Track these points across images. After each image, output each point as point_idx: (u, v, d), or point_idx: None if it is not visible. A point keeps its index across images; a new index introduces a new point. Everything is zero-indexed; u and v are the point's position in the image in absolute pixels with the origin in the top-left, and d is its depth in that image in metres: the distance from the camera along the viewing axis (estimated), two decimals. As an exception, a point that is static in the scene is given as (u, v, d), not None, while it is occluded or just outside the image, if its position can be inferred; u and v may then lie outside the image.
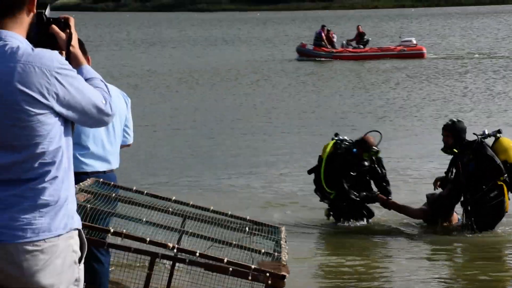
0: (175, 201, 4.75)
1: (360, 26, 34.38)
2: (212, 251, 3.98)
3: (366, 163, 8.61)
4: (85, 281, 3.15)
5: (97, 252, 4.81)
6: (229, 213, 4.80)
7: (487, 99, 20.40)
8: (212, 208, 4.79)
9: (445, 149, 8.36)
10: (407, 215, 8.67)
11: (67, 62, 2.72)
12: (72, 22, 2.88)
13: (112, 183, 4.85)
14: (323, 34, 32.55)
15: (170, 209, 4.57)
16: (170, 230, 4.24)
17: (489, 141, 8.31)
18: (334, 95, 21.93)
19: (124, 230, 3.88)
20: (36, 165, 2.63)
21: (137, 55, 37.22)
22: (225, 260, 3.78)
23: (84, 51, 4.20)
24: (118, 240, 3.90)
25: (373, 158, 8.62)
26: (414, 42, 33.08)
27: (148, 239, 3.77)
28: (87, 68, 2.85)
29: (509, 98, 20.64)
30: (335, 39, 33.12)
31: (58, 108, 2.65)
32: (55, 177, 2.66)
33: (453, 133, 8.25)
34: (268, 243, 4.39)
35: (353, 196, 8.48)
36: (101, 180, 4.80)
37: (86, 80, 2.77)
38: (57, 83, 2.63)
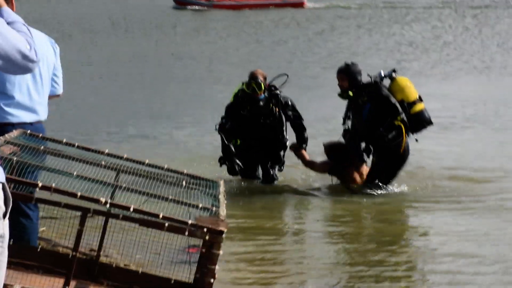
0: (108, 154, 4.69)
1: None
2: (148, 206, 3.95)
3: (261, 103, 8.29)
4: (12, 237, 3.10)
5: (25, 207, 4.75)
6: (165, 166, 4.76)
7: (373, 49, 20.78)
8: (147, 161, 4.75)
9: (341, 94, 8.27)
10: (314, 170, 8.60)
11: None
12: None
13: (41, 135, 4.76)
14: None
15: (103, 163, 4.51)
16: (103, 185, 4.18)
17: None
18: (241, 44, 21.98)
19: (54, 184, 3.81)
20: None
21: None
22: (161, 215, 3.76)
23: None
24: (47, 195, 3.84)
25: (273, 100, 8.30)
26: None
27: (79, 194, 3.73)
28: (7, 11, 2.77)
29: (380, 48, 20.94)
30: None
31: None
32: None
33: (347, 76, 8.15)
34: (206, 197, 4.37)
35: (229, 145, 8.23)
36: (29, 131, 4.71)
37: (7, 23, 2.69)
38: None
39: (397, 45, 22.44)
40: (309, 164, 8.56)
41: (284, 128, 8.43)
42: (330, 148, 8.38)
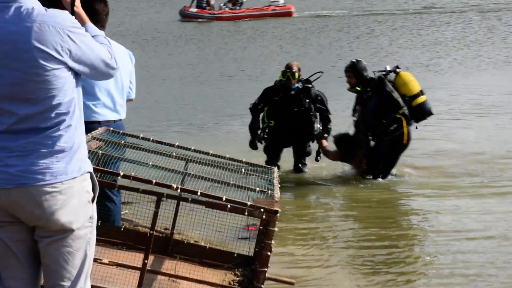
0: (178, 146, 4.75)
1: None
2: (212, 191, 3.99)
3: (292, 92, 8.14)
4: (100, 219, 3.19)
5: (110, 193, 4.86)
6: (227, 156, 4.81)
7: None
8: (211, 152, 4.80)
9: (350, 89, 8.12)
10: (328, 158, 8.38)
11: (77, 21, 2.70)
12: None
13: (121, 131, 4.87)
14: None
15: (174, 154, 4.57)
16: (174, 173, 4.24)
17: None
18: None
19: (133, 173, 3.88)
20: (52, 115, 2.63)
21: (141, 10, 36.59)
22: (224, 198, 3.79)
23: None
24: (127, 182, 3.91)
25: (305, 92, 8.12)
26: (282, 1, 32.99)
27: (154, 181, 3.77)
28: (91, 26, 2.84)
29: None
30: (213, 2, 33.02)
31: (71, 63, 2.65)
32: (69, 125, 2.68)
33: (354, 73, 7.99)
34: (262, 182, 4.39)
35: (256, 123, 8.17)
36: (111, 128, 4.81)
37: (92, 37, 2.76)
38: (70, 41, 2.63)
39: (429, 44, 22.11)
40: (325, 152, 8.40)
41: (314, 120, 8.28)
42: (338, 140, 8.27)
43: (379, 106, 7.86)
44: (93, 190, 2.80)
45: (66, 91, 2.65)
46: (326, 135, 8.34)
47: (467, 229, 6.49)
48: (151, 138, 4.79)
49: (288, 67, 8.24)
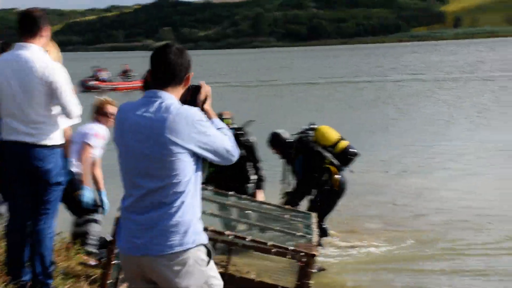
0: (232, 195, 4.50)
1: (127, 65, 33.90)
2: (260, 235, 3.70)
3: None
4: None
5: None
6: (272, 203, 4.52)
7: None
8: (260, 199, 4.51)
9: (282, 158, 7.06)
10: None
11: (203, 116, 2.66)
12: (204, 88, 2.84)
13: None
14: (102, 72, 33.27)
15: (228, 202, 4.31)
16: (229, 220, 3.97)
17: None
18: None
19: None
20: (171, 192, 2.55)
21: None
22: (269, 244, 3.52)
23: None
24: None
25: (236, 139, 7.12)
26: None
27: (209, 228, 3.53)
28: (217, 120, 2.79)
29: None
30: (106, 76, 33.48)
31: (195, 149, 2.58)
32: (183, 202, 2.56)
33: (276, 145, 7.00)
34: (302, 227, 4.11)
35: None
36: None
37: (217, 129, 2.71)
38: (196, 131, 2.57)
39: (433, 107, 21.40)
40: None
41: (246, 164, 7.06)
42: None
43: (307, 162, 6.83)
44: (209, 255, 2.64)
45: (186, 173, 2.55)
46: (261, 183, 7.02)
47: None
48: (210, 188, 4.54)
49: (220, 115, 7.08)
